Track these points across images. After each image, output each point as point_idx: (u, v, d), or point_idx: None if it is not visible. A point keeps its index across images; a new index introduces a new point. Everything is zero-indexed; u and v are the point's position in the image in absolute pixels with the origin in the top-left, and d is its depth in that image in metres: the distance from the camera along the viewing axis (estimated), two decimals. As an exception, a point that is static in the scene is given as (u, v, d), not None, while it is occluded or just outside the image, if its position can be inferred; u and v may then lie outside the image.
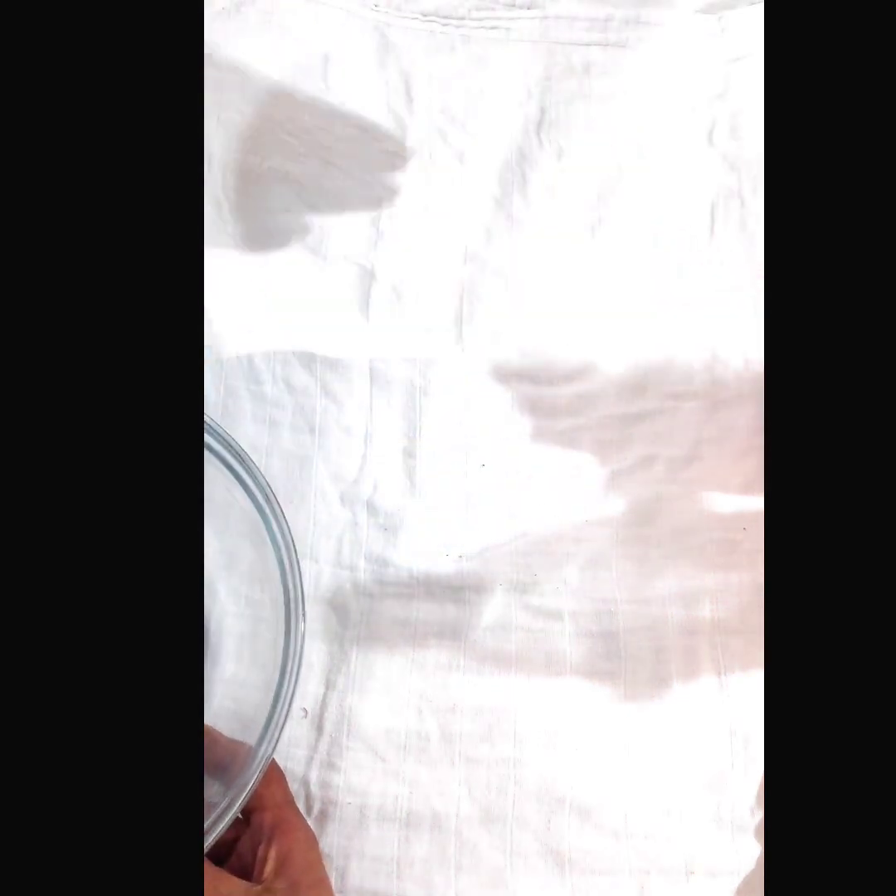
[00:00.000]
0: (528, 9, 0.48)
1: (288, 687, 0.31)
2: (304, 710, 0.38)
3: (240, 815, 0.31)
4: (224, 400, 0.42)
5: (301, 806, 0.37)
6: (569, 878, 0.37)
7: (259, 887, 0.29)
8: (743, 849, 0.37)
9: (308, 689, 0.39)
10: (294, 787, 0.37)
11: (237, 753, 0.33)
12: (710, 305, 0.44)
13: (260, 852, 0.30)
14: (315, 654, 0.39)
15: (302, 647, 0.32)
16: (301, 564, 0.39)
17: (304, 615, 0.32)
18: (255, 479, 0.33)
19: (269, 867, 0.30)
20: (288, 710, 0.31)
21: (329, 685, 0.39)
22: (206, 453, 0.32)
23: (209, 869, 0.28)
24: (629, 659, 0.39)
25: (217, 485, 0.32)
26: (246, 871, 0.30)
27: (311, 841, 0.32)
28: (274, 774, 0.33)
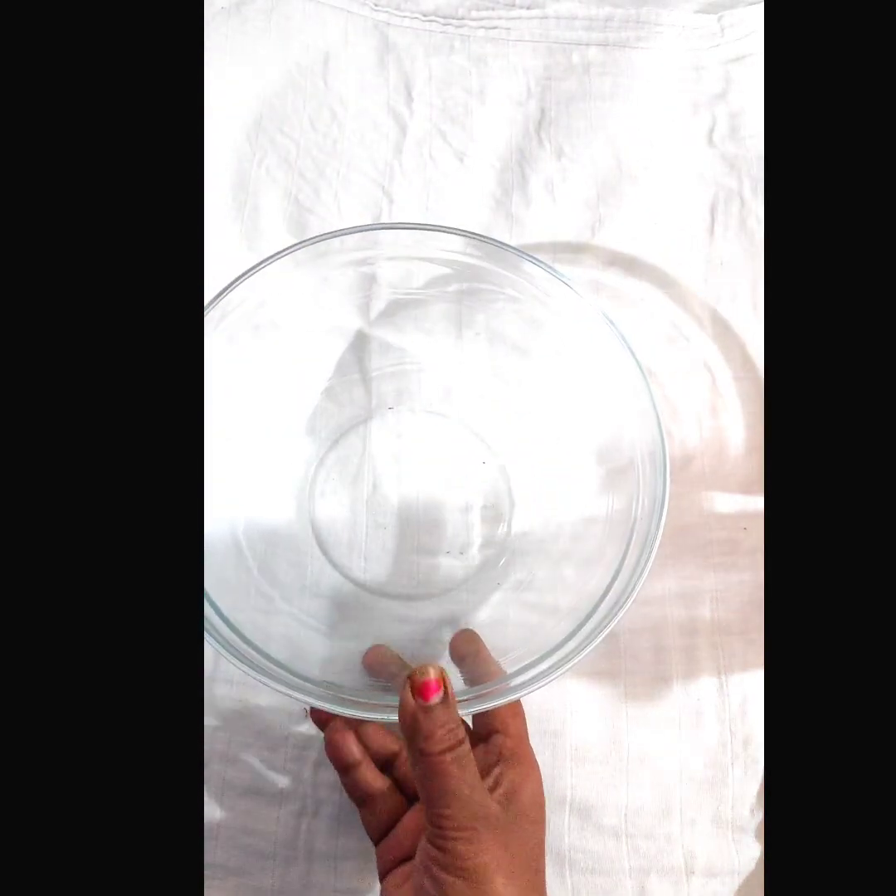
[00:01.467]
0: (528, 9, 0.48)
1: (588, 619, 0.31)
2: (306, 709, 0.38)
3: (476, 732, 0.32)
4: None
5: (299, 804, 0.37)
6: (569, 878, 0.37)
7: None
8: (743, 849, 0.37)
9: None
10: (293, 785, 0.37)
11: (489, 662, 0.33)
12: (709, 305, 0.44)
13: (495, 771, 0.30)
14: (315, 648, 0.39)
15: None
16: (303, 563, 0.40)
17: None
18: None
19: (501, 791, 0.29)
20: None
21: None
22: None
23: (471, 760, 0.27)
24: (629, 659, 0.39)
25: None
26: None
27: (540, 783, 0.31)
28: (519, 710, 0.32)
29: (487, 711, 0.31)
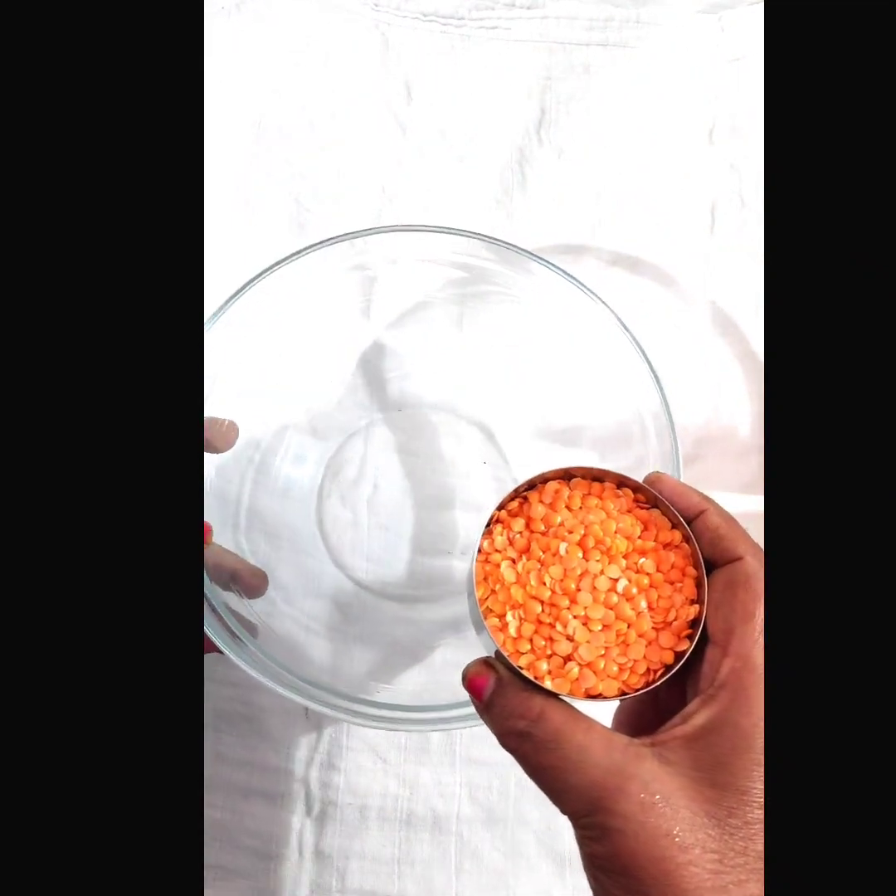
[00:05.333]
0: (528, 9, 0.48)
1: None
2: (306, 709, 0.38)
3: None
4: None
5: (301, 806, 0.37)
6: (569, 878, 0.37)
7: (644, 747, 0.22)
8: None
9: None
10: (294, 787, 0.37)
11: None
12: (710, 305, 0.44)
13: (695, 703, 0.23)
14: (317, 651, 0.39)
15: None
16: (305, 565, 0.40)
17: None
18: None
19: (686, 730, 0.22)
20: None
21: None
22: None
23: (559, 733, 0.22)
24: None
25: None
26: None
27: (753, 723, 0.22)
28: (753, 614, 0.23)
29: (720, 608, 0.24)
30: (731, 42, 0.48)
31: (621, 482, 0.26)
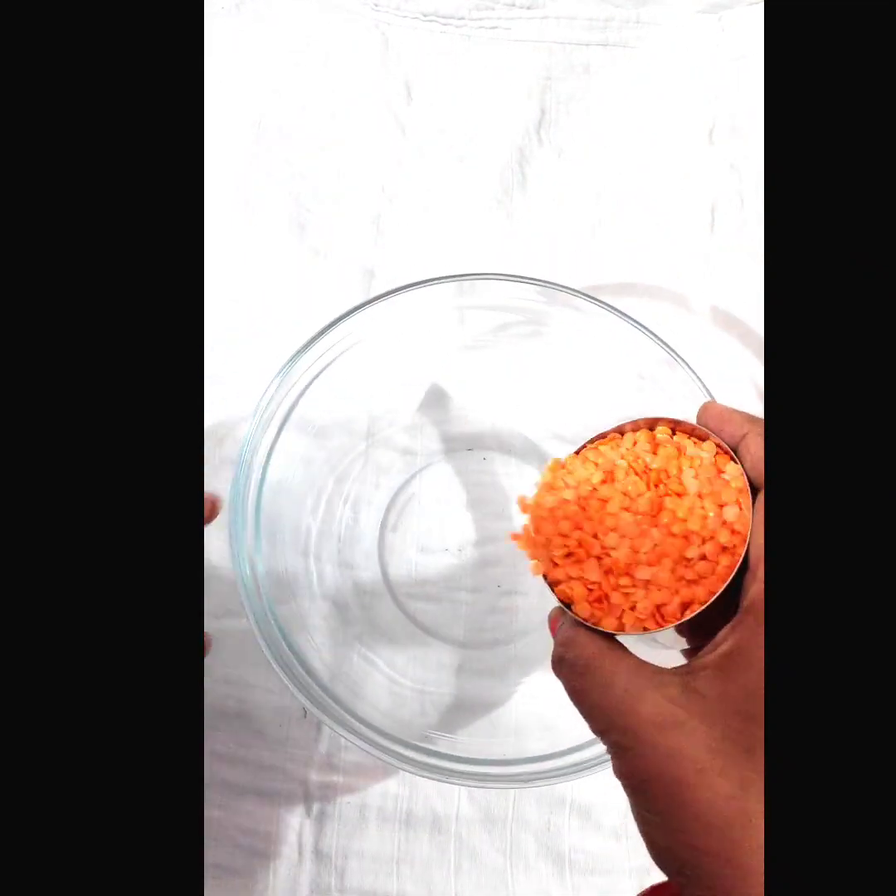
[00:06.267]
0: (528, 9, 0.48)
1: None
2: (305, 709, 0.38)
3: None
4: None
5: (300, 805, 0.37)
6: (569, 878, 0.37)
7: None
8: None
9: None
10: (292, 786, 0.37)
11: None
12: (709, 305, 0.44)
13: (721, 634, 0.23)
14: (318, 650, 0.39)
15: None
16: (306, 564, 0.40)
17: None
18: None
19: (716, 655, 0.23)
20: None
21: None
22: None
23: (594, 663, 0.24)
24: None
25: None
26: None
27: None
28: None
29: (755, 534, 0.25)
30: (732, 42, 0.48)
31: (675, 425, 0.27)
